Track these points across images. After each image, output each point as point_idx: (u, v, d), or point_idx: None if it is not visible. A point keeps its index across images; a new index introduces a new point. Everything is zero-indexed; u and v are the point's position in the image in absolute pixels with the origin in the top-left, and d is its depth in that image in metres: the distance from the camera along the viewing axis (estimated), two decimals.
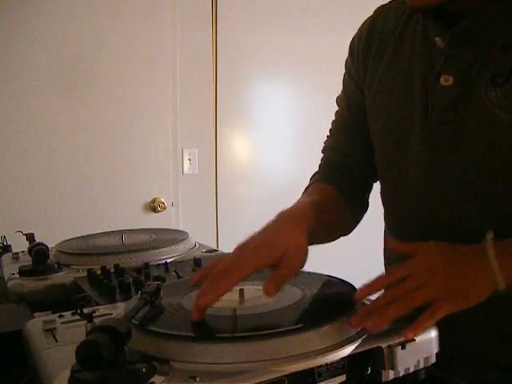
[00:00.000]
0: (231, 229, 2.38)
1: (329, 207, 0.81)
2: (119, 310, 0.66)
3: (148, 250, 1.02)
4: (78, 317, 0.63)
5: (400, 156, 0.77)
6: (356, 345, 0.52)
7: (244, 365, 0.48)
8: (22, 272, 0.93)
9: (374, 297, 0.60)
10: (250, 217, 2.40)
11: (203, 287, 0.60)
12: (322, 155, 0.94)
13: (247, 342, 0.50)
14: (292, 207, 0.75)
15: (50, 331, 0.61)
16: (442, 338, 0.56)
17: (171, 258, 1.02)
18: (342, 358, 0.51)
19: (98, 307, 0.69)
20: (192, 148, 2.33)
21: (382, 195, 0.87)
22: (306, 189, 0.89)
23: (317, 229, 0.71)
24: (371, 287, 0.60)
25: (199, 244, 1.15)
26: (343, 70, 0.92)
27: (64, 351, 0.54)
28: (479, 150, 0.67)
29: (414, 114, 0.73)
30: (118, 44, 2.12)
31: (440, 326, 0.56)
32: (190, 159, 2.33)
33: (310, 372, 0.49)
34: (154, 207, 2.24)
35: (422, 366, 0.54)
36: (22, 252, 1.11)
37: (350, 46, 0.88)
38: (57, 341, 0.58)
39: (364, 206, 0.92)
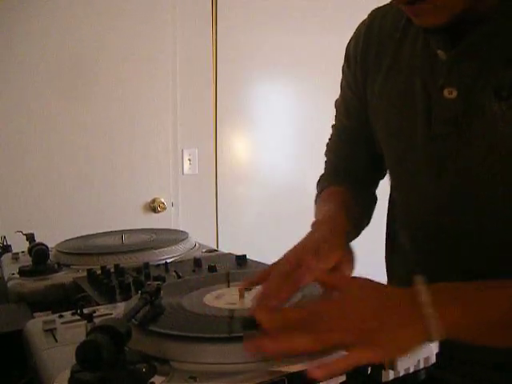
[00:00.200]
0: (231, 229, 2.38)
1: (351, 206, 0.83)
2: (119, 309, 0.66)
3: (148, 250, 1.02)
4: (77, 317, 0.63)
5: (402, 168, 0.79)
6: None
7: (244, 365, 0.48)
8: (22, 272, 0.93)
9: None
10: (250, 217, 2.41)
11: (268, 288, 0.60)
12: (326, 158, 0.96)
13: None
14: (325, 216, 0.79)
15: (50, 331, 0.61)
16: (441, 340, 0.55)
17: (171, 258, 1.02)
18: None
19: (97, 307, 0.69)
20: (192, 148, 2.33)
21: (389, 199, 0.89)
22: (318, 195, 0.92)
23: (350, 231, 0.76)
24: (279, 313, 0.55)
25: (199, 244, 1.15)
26: None
27: (64, 351, 0.54)
28: (479, 152, 0.67)
29: (416, 125, 0.73)
30: (118, 44, 2.12)
31: None
32: (189, 159, 2.33)
33: None
34: (153, 207, 2.24)
35: (422, 366, 0.54)
36: (22, 252, 1.11)
37: (346, 52, 0.87)
38: (57, 341, 0.58)
39: (372, 201, 0.94)
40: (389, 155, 0.82)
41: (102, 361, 0.44)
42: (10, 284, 0.89)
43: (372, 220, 0.91)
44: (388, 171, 0.86)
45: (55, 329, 0.61)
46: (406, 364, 0.52)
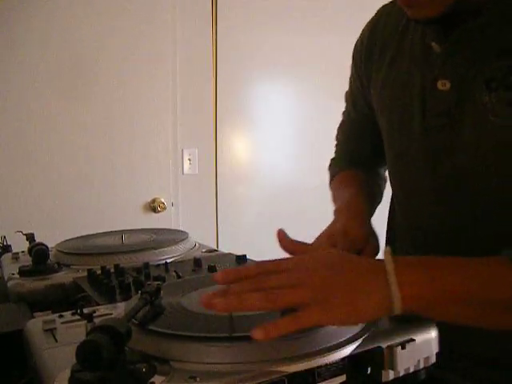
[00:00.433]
0: (231, 229, 2.38)
1: (366, 187, 0.90)
2: (119, 309, 0.66)
3: (148, 250, 1.02)
4: (77, 317, 0.63)
5: (402, 161, 0.80)
6: (356, 345, 0.52)
7: (244, 365, 0.48)
8: (22, 272, 0.93)
9: None
10: (250, 217, 2.41)
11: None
12: (336, 142, 1.04)
13: (247, 341, 0.50)
14: (344, 203, 0.84)
15: (50, 331, 0.60)
16: (442, 333, 0.55)
17: (171, 258, 1.02)
18: (342, 358, 0.51)
19: (98, 307, 0.69)
20: (192, 148, 2.33)
21: (390, 208, 0.93)
22: (332, 179, 1.00)
23: (369, 212, 0.84)
24: (234, 273, 0.53)
25: (199, 244, 1.15)
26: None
27: (64, 351, 0.54)
28: (472, 144, 0.67)
29: (413, 118, 0.74)
30: (118, 44, 2.12)
31: (440, 324, 0.56)
32: (189, 159, 2.33)
33: (310, 372, 0.49)
34: (153, 207, 2.24)
35: (422, 366, 0.54)
36: (22, 252, 1.10)
37: (354, 49, 0.91)
38: (57, 341, 0.58)
39: (381, 179, 0.98)
40: (389, 147, 0.84)
41: (102, 361, 0.44)
42: (9, 284, 0.89)
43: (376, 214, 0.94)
44: (388, 167, 0.88)
45: (55, 329, 0.61)
46: (406, 364, 0.52)
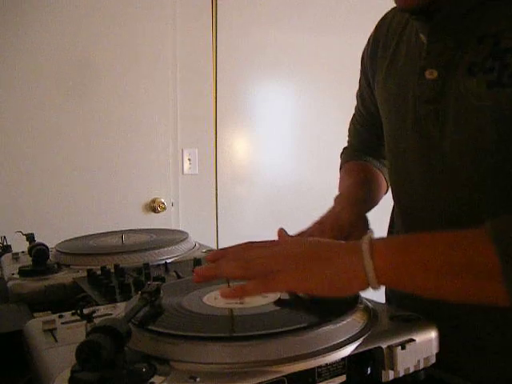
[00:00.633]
0: (231, 229, 2.38)
1: (367, 179, 0.96)
2: (119, 309, 0.66)
3: (148, 250, 1.02)
4: (77, 317, 0.63)
5: (397, 150, 0.81)
6: (356, 345, 0.52)
7: (244, 365, 0.48)
8: (22, 272, 0.93)
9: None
10: (250, 217, 2.41)
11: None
12: (348, 133, 1.09)
13: (247, 341, 0.50)
14: (344, 191, 0.92)
15: (50, 331, 0.60)
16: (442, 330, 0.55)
17: (171, 258, 1.02)
18: (342, 358, 0.51)
19: (98, 307, 0.69)
20: (192, 148, 2.33)
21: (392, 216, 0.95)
22: (341, 166, 1.06)
23: (367, 200, 0.89)
24: (222, 251, 0.61)
25: (199, 244, 1.15)
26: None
27: (64, 351, 0.54)
28: (459, 130, 0.68)
29: (407, 110, 0.76)
30: (118, 44, 2.13)
31: (441, 323, 0.56)
32: (189, 159, 2.33)
33: (310, 372, 0.49)
34: (153, 207, 2.24)
35: (421, 366, 0.54)
36: (22, 252, 1.10)
37: (363, 52, 0.95)
38: (57, 341, 0.58)
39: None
40: (388, 142, 0.86)
41: (102, 361, 0.44)
42: (9, 284, 0.89)
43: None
44: (387, 163, 0.90)
45: (55, 329, 0.61)
46: (406, 364, 0.52)
